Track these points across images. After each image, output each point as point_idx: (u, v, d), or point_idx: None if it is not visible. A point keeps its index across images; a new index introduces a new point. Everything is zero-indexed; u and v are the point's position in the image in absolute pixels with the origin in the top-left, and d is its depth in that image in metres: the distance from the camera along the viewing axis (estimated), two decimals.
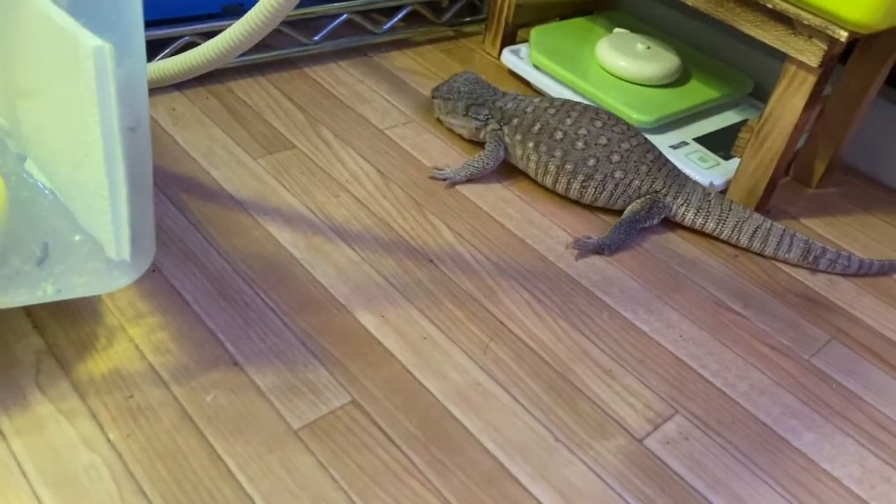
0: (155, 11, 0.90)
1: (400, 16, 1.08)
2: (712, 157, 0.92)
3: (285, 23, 0.99)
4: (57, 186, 0.59)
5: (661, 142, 0.93)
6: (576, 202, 0.86)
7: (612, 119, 0.83)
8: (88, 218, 0.56)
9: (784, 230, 0.82)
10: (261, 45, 0.98)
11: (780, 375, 0.71)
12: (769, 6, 0.78)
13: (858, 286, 0.83)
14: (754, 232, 0.81)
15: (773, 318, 0.77)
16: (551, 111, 0.83)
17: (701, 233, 0.84)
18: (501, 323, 0.71)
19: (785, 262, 0.83)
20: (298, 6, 0.98)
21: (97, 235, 0.56)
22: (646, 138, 0.84)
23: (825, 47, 0.76)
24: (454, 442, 0.60)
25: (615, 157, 0.80)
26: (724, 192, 0.90)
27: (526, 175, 0.88)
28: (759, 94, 1.03)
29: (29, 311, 0.62)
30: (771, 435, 0.65)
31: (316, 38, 1.01)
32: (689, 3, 0.86)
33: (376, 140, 0.90)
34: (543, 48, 1.02)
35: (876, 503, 0.61)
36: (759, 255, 0.83)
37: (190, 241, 0.72)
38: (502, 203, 0.85)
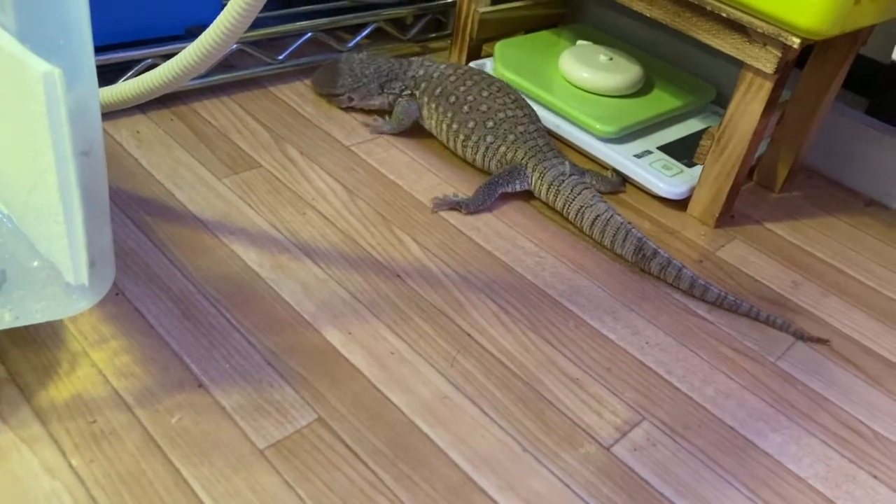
0: (117, 34, 0.90)
1: (365, 33, 1.08)
2: (676, 165, 0.93)
3: (250, 42, 0.99)
4: (13, 212, 0.59)
5: (625, 151, 0.94)
6: (544, 214, 0.87)
7: (503, 91, 0.91)
8: (45, 243, 0.56)
9: (622, 224, 0.81)
10: (225, 65, 0.99)
11: (745, 379, 0.71)
12: (724, 15, 0.79)
13: (822, 288, 0.84)
14: (594, 220, 0.83)
15: (738, 321, 0.77)
16: (452, 78, 0.93)
17: (658, 238, 0.85)
18: (469, 336, 0.71)
19: (622, 257, 0.82)
20: (263, 26, 0.99)
21: (55, 260, 0.56)
22: (527, 114, 0.90)
23: (779, 54, 0.78)
24: (422, 456, 0.60)
25: (489, 124, 0.89)
26: (688, 199, 0.91)
27: None
28: (722, 102, 1.04)
29: None
30: (737, 438, 0.66)
31: (280, 58, 1.01)
32: (649, 15, 0.87)
33: (342, 157, 0.91)
34: (508, 62, 1.03)
35: (842, 502, 0.62)
36: (600, 244, 0.84)
37: (154, 264, 0.72)
38: (469, 216, 0.85)
